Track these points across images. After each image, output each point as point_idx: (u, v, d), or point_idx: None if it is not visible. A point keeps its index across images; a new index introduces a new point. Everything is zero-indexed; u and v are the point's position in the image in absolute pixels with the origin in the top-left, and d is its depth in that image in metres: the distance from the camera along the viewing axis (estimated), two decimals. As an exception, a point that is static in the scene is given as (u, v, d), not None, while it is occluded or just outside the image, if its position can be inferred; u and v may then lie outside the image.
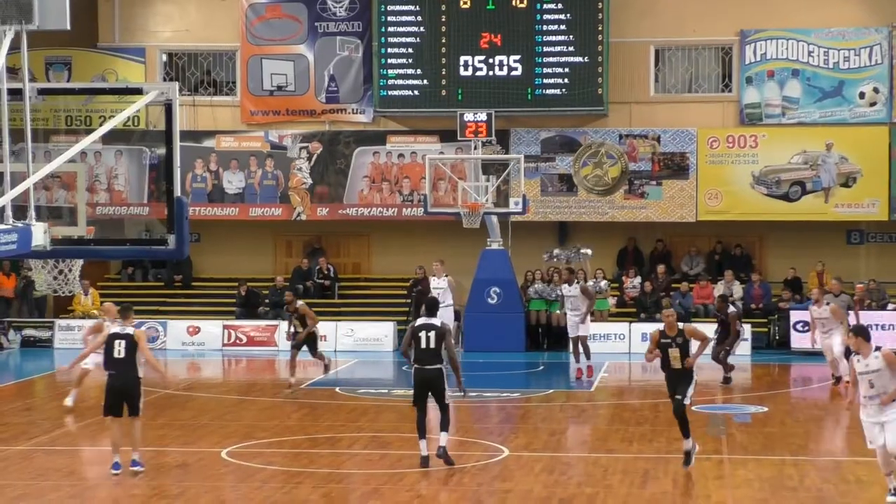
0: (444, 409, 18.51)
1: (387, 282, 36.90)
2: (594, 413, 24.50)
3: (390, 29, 35.77)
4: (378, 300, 36.07)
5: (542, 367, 31.06)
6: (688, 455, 18.23)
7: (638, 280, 35.20)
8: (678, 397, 18.12)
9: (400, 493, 17.14)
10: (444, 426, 18.48)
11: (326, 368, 27.12)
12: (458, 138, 33.89)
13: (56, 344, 34.34)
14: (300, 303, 26.97)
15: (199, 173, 36.48)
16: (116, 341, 18.13)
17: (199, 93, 36.76)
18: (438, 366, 18.35)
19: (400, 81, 35.81)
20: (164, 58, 37.45)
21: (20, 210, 12.14)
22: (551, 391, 26.73)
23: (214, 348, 34.13)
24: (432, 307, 18.85)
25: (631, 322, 33.52)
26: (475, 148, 34.05)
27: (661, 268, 35.49)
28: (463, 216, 33.08)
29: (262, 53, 36.73)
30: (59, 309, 35.75)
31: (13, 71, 12.14)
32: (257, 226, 37.08)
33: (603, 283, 34.12)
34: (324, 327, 34.09)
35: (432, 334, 18.32)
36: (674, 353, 18.20)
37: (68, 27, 11.94)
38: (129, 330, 18.29)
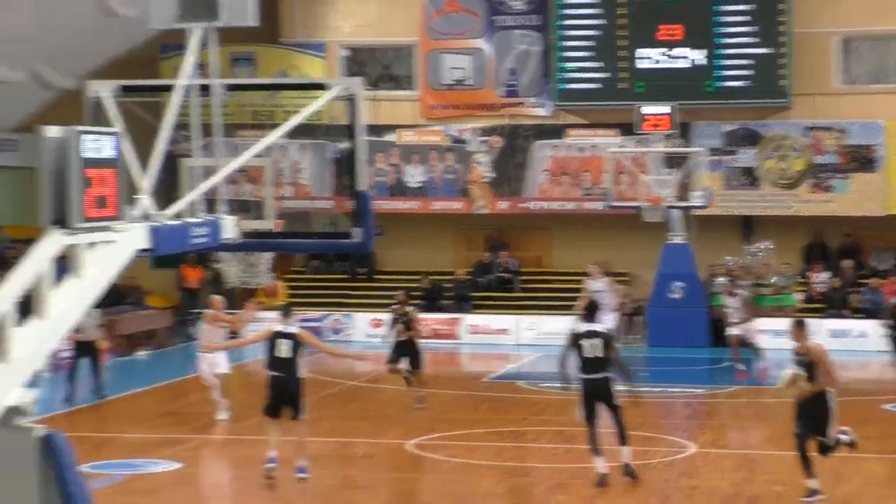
0: (617, 415, 17.15)
1: (569, 275, 36.69)
2: (781, 410, 24.03)
3: (569, 22, 35.64)
4: (560, 294, 35.89)
5: (726, 363, 30.62)
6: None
7: (825, 275, 34.49)
8: (822, 440, 15.79)
9: (585, 488, 17.03)
10: (623, 438, 17.16)
11: (408, 382, 23.63)
12: (636, 132, 33.64)
13: (244, 334, 34.76)
14: (411, 308, 24.29)
15: (381, 167, 36.75)
16: (280, 340, 17.35)
17: (379, 87, 37.01)
18: (606, 374, 17.02)
19: (579, 74, 35.65)
20: (345, 53, 37.79)
21: (210, 204, 12.30)
22: (736, 387, 26.35)
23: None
24: (593, 310, 17.69)
25: (819, 318, 32.88)
26: (657, 141, 33.75)
27: (847, 263, 34.72)
28: (644, 210, 32.82)
29: (441, 48, 36.85)
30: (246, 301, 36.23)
31: (200, 67, 12.31)
32: (438, 219, 37.22)
33: (780, 280, 33.54)
34: (505, 321, 34.23)
35: (598, 342, 17.06)
36: (799, 374, 15.90)
37: (254, 23, 12.07)
38: (294, 329, 17.56)
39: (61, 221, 8.98)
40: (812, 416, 15.81)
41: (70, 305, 8.94)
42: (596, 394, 17.01)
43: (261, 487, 17.28)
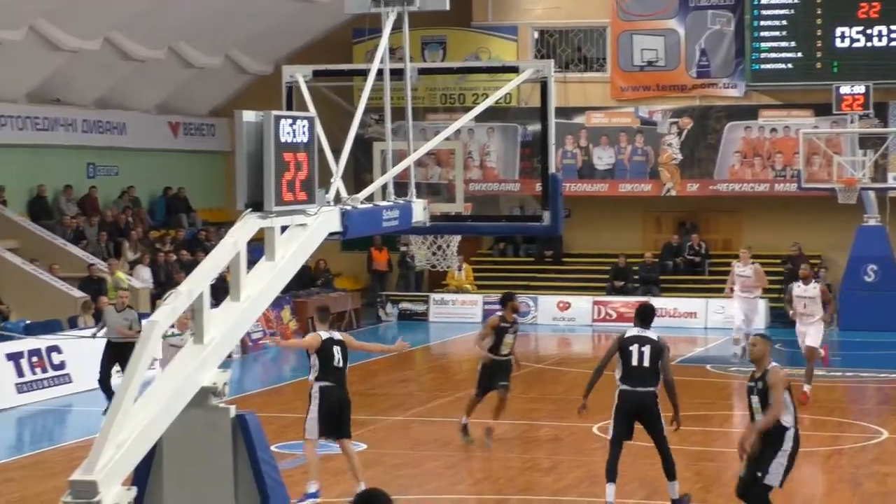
0: (663, 446, 14.97)
1: (759, 258, 36.01)
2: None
3: (763, 1, 35.16)
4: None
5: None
6: None
7: None
8: (759, 476, 12.76)
9: (774, 475, 16.81)
10: (671, 472, 14.98)
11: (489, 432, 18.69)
12: (834, 112, 33.02)
13: (431, 317, 35.14)
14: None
15: (570, 149, 36.66)
16: (334, 347, 15.52)
17: (569, 70, 36.90)
18: (652, 388, 14.74)
19: (773, 55, 35.15)
20: (536, 35, 37.75)
21: (400, 187, 12.41)
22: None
23: (584, 324, 34.27)
24: (646, 316, 15.26)
25: None
26: (851, 121, 33.12)
27: None
28: (838, 192, 32.24)
29: (632, 29, 36.59)
30: (433, 283, 36.60)
31: (392, 51, 12.42)
32: (626, 201, 37.01)
33: None
34: (694, 304, 33.95)
35: (647, 349, 14.76)
36: (754, 400, 13.09)
37: (447, 8, 12.14)
38: (339, 335, 15.92)
39: (257, 205, 9.13)
40: (761, 445, 12.85)
41: (263, 288, 9.10)
42: (636, 409, 14.84)
43: (446, 467, 17.41)
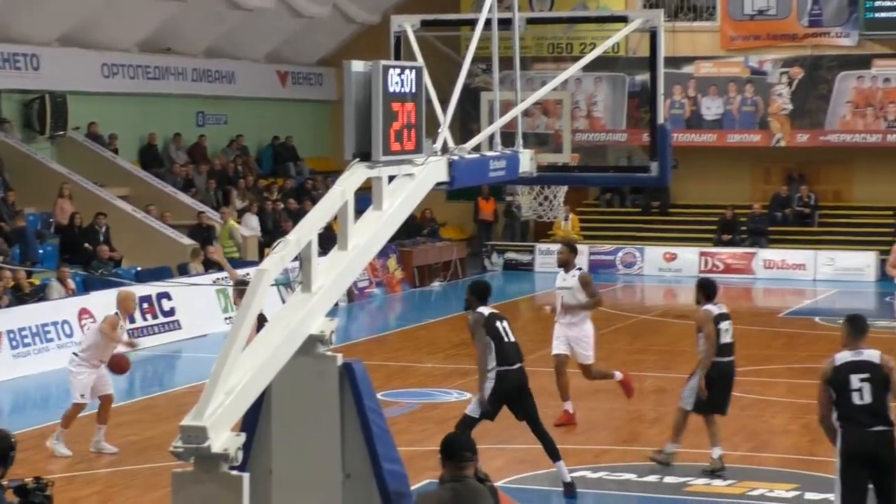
0: (540, 426, 14.25)
1: (869, 210, 35.77)
2: None
3: (877, -52, 34.59)
4: (860, 229, 35.05)
5: None
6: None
7: None
8: None
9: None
10: (557, 453, 14.20)
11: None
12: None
13: (536, 267, 35.13)
14: None
15: (678, 99, 36.33)
16: None
17: (678, 18, 36.49)
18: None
19: (887, 3, 34.51)
20: (644, -16, 37.38)
21: (507, 137, 12.39)
22: None
23: (690, 275, 34.00)
24: (483, 293, 14.32)
25: None
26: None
27: None
28: (953, 143, 31.70)
29: (742, -23, 36.12)
30: (539, 233, 36.55)
31: (500, 0, 12.37)
32: (735, 152, 36.63)
33: None
34: (802, 256, 33.64)
35: (506, 324, 14.07)
36: None
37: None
38: None
39: (364, 154, 9.17)
40: None
41: (370, 238, 9.15)
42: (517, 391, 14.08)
43: (551, 419, 17.41)
